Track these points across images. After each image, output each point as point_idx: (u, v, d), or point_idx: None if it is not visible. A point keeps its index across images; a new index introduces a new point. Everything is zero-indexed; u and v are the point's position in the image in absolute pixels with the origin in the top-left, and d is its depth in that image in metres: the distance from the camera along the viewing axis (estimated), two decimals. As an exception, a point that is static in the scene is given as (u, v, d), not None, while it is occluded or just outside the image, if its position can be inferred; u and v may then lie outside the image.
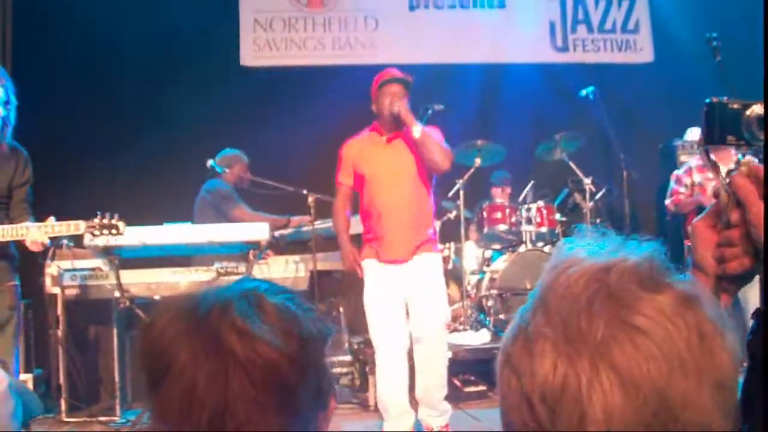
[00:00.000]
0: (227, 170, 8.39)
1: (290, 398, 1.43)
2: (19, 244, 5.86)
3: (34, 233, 5.68)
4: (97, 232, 5.98)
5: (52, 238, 5.90)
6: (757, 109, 1.84)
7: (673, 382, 1.07)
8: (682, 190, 8.52)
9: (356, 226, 6.88)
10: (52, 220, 5.78)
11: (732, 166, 1.79)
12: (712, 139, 1.87)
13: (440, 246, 7.54)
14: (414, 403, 6.60)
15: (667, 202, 8.54)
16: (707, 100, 1.89)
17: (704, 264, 1.55)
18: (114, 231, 6.00)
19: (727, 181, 1.73)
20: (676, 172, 8.73)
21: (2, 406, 2.49)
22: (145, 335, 1.47)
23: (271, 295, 1.50)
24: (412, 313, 6.45)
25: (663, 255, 1.18)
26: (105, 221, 5.95)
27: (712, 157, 1.93)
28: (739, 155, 1.85)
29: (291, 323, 1.46)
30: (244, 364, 1.38)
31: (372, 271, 6.51)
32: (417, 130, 6.37)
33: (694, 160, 8.73)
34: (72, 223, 5.82)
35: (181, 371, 1.39)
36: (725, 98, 1.89)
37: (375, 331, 6.48)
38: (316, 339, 1.49)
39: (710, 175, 8.18)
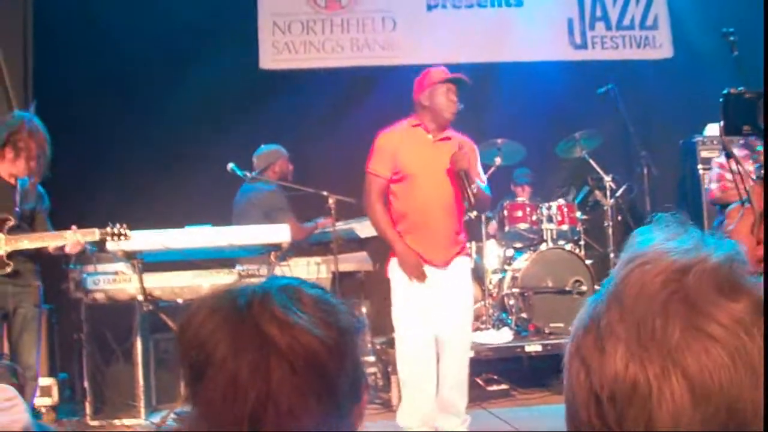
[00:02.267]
0: (269, 169, 8.42)
1: (330, 386, 1.45)
2: (41, 253, 6.26)
3: (71, 237, 6.15)
4: (108, 239, 6.37)
5: None
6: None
7: (745, 393, 1.05)
8: (728, 176, 8.40)
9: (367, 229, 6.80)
10: (74, 228, 6.22)
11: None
12: (729, 130, 1.89)
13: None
14: None
15: (714, 187, 8.28)
16: (724, 92, 1.90)
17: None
18: (123, 238, 6.39)
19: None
20: (717, 159, 8.62)
21: None
22: (184, 330, 1.48)
23: (307, 288, 1.53)
24: (441, 317, 6.16)
25: (742, 256, 1.15)
26: (115, 230, 6.37)
27: (735, 149, 1.94)
28: (761, 163, 1.86)
29: (329, 314, 1.49)
30: (285, 353, 1.40)
31: (404, 274, 6.17)
32: (474, 189, 6.08)
33: (736, 150, 8.64)
34: (88, 231, 6.25)
35: (223, 363, 1.41)
36: (741, 89, 1.91)
37: (404, 333, 6.20)
38: (351, 330, 1.52)
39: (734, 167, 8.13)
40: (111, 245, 6.58)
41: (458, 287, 6.26)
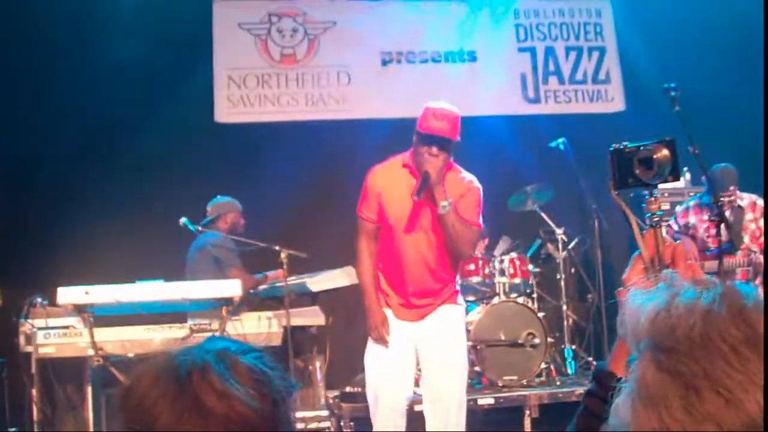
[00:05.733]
0: (221, 219, 8.50)
1: None
2: None
3: None
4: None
5: None
6: (641, 151, 1.93)
7: None
8: (675, 227, 8.57)
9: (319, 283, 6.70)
10: None
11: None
12: (618, 184, 1.96)
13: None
14: None
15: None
16: (610, 148, 1.98)
17: None
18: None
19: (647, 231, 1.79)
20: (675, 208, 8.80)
21: None
22: (127, 398, 1.53)
23: (242, 355, 1.58)
24: (427, 373, 5.95)
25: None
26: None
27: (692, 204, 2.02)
28: (652, 212, 1.92)
29: (263, 383, 1.54)
30: (223, 423, 1.45)
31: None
32: (444, 206, 5.66)
33: (692, 201, 8.77)
34: None
35: (165, 430, 1.45)
36: (624, 144, 1.98)
37: (374, 388, 5.94)
38: (284, 396, 1.57)
39: (704, 217, 8.27)
40: (61, 299, 6.55)
41: (437, 340, 5.93)
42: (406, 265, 5.93)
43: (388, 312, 6.01)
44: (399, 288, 5.99)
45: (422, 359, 5.97)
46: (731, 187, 8.22)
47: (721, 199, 7.56)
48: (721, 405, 1.09)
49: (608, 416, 1.31)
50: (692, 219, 8.57)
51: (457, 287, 6.23)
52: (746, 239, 8.24)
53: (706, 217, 8.27)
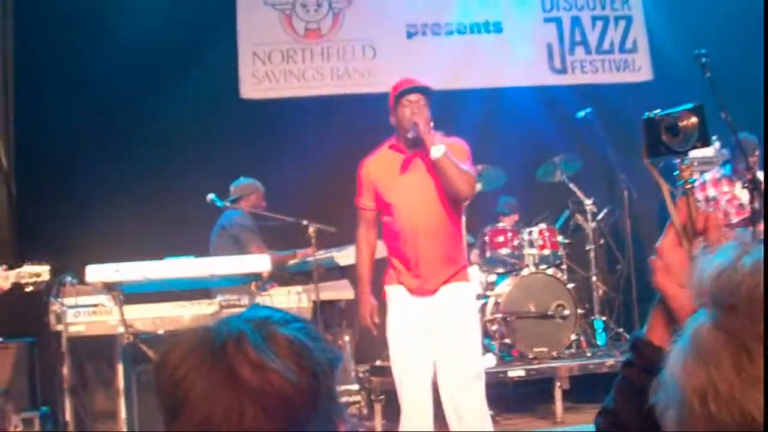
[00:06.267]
0: (243, 199, 8.50)
1: (302, 427, 1.45)
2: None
3: None
4: (24, 281, 6.23)
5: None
6: (667, 119, 1.89)
7: None
8: (698, 197, 8.49)
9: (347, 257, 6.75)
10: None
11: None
12: (650, 152, 1.92)
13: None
14: None
15: None
16: (644, 116, 1.94)
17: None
18: (38, 278, 6.28)
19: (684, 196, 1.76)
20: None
21: None
22: (160, 370, 1.50)
23: (282, 325, 1.53)
24: (442, 348, 5.96)
25: None
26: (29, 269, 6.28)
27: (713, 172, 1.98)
28: (684, 179, 1.89)
29: (303, 356, 1.49)
30: (258, 396, 1.41)
31: (397, 297, 6.08)
32: (436, 150, 5.75)
33: (708, 174, 8.70)
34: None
35: (196, 404, 1.42)
36: (656, 112, 1.94)
37: (398, 363, 6.01)
38: (326, 369, 1.52)
39: (725, 188, 8.20)
40: (90, 277, 6.57)
41: (450, 313, 5.97)
42: (413, 240, 5.99)
43: (402, 289, 6.07)
44: (410, 264, 6.03)
45: (437, 332, 6.00)
46: (756, 153, 8.13)
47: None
48: None
49: (648, 386, 1.28)
50: (711, 192, 8.50)
51: (465, 262, 6.32)
52: None
53: (727, 189, 8.19)
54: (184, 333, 1.54)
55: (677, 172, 1.97)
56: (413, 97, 5.93)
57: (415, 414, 5.94)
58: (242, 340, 1.47)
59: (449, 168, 5.81)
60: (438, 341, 5.99)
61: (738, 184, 8.06)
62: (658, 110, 1.99)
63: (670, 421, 1.18)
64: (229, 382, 1.42)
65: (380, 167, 6.19)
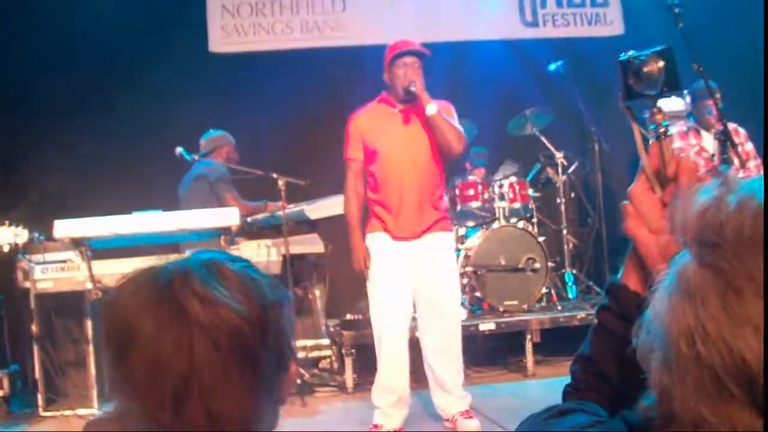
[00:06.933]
0: (215, 152, 8.41)
1: (253, 361, 1.46)
2: None
3: None
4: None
5: None
6: (633, 62, 1.88)
7: None
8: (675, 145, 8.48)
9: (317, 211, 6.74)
10: None
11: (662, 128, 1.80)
12: (626, 95, 1.90)
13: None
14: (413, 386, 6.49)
15: None
16: (619, 58, 1.91)
17: (660, 227, 1.55)
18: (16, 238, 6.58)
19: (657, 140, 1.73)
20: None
21: None
22: (107, 310, 1.49)
23: (229, 263, 1.53)
24: (422, 293, 6.31)
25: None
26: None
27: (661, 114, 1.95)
28: (656, 123, 1.86)
29: (251, 289, 1.49)
30: (207, 330, 1.41)
31: (380, 244, 6.35)
32: (432, 108, 6.15)
33: (675, 127, 8.72)
34: None
35: (145, 341, 1.41)
36: (630, 54, 1.91)
37: (377, 307, 6.32)
38: (275, 304, 1.52)
39: (692, 141, 8.20)
40: (58, 232, 6.52)
41: (433, 258, 6.32)
42: (399, 186, 6.28)
43: (385, 236, 6.34)
44: (392, 210, 6.31)
45: (418, 275, 6.31)
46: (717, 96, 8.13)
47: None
48: (761, 308, 1.04)
49: (625, 331, 1.26)
50: (678, 144, 8.50)
51: (446, 214, 6.72)
52: (735, 161, 8.18)
53: (694, 141, 8.19)
54: (131, 275, 1.52)
55: (648, 115, 1.95)
56: (409, 59, 6.28)
57: (393, 363, 6.25)
58: (189, 275, 1.47)
59: (443, 123, 6.19)
60: (419, 285, 6.29)
61: (705, 135, 8.06)
62: (632, 51, 1.97)
63: (655, 364, 1.16)
64: (178, 317, 1.41)
65: (369, 119, 6.47)
